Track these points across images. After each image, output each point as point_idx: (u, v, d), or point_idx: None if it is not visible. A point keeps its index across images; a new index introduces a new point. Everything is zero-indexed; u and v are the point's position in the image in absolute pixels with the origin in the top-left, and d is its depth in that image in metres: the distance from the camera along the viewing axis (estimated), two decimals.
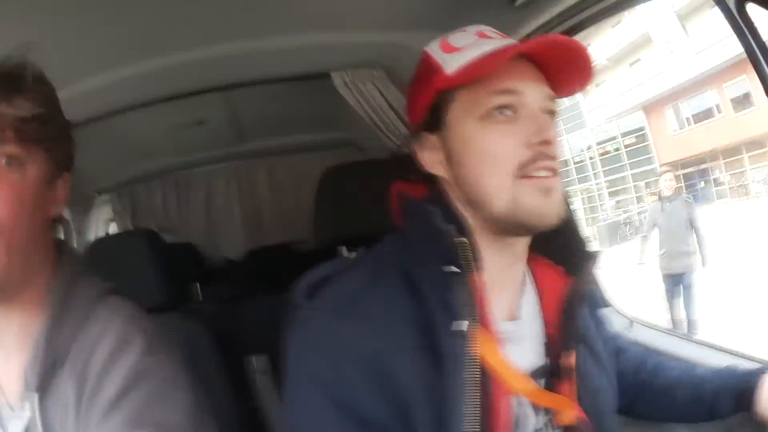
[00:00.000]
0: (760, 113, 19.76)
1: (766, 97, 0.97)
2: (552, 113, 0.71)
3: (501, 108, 0.68)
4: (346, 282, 0.72)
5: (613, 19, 26.36)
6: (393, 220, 0.81)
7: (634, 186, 26.17)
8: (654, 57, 24.30)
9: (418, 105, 0.77)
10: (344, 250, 1.44)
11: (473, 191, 0.72)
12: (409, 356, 0.65)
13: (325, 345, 0.67)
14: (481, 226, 0.73)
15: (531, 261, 0.81)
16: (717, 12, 0.99)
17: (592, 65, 0.72)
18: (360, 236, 1.20)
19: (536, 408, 0.76)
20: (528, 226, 0.71)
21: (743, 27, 0.98)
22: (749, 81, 18.61)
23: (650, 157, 25.69)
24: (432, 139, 0.75)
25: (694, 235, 5.05)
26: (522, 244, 0.76)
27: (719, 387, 0.92)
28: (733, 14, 0.97)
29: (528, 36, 1.23)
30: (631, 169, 26.34)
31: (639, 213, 19.45)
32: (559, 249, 0.81)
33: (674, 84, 23.02)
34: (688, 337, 1.35)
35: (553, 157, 0.69)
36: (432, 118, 0.74)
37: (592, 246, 0.83)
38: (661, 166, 17.69)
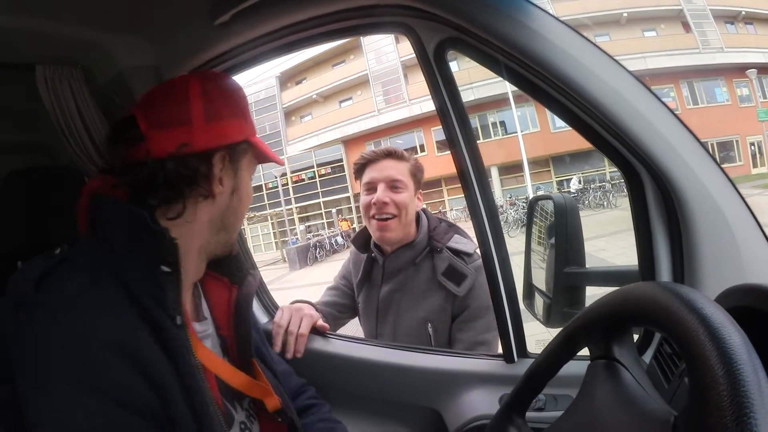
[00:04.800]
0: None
1: (447, 142, 1.19)
2: None
3: None
4: (68, 279, 0.72)
5: (337, 59, 29.30)
6: (80, 220, 0.84)
7: (326, 212, 28.62)
8: (367, 98, 27.86)
9: None
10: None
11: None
12: (151, 346, 0.71)
13: (76, 338, 0.66)
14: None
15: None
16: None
17: None
18: (44, 248, 1.16)
19: (239, 401, 0.92)
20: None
21: (438, 77, 1.17)
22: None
23: (345, 186, 28.73)
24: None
25: None
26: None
27: None
28: (430, 63, 1.16)
29: (225, 53, 1.32)
30: (324, 197, 28.76)
31: (329, 237, 21.46)
32: (225, 264, 0.99)
33: (381, 123, 26.54)
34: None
35: None
36: None
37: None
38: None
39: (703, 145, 0.96)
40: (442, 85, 1.18)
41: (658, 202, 1.01)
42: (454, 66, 1.19)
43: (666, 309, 0.48)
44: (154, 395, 0.69)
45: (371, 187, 1.67)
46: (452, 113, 1.18)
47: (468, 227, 1.38)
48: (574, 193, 21.24)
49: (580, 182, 22.80)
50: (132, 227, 0.77)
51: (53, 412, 0.62)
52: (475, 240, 1.41)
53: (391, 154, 1.69)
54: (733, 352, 0.40)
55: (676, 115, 0.96)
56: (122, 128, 0.85)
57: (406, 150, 1.78)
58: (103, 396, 0.64)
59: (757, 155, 24.50)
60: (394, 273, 1.70)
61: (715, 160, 0.96)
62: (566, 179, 24.86)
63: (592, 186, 21.88)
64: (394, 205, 1.63)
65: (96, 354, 0.66)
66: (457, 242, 1.66)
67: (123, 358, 0.67)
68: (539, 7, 0.98)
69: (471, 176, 1.20)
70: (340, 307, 1.87)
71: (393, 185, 1.64)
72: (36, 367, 0.65)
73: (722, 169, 0.95)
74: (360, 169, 1.73)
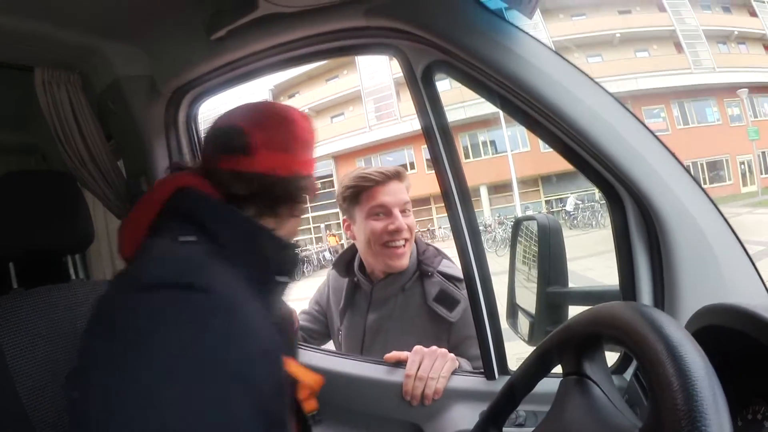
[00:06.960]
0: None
1: (431, 161, 1.22)
2: None
3: None
4: (226, 275, 0.70)
5: (330, 74, 29.49)
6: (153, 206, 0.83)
7: (314, 227, 28.48)
8: (359, 114, 27.79)
9: None
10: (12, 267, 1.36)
11: None
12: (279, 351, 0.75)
13: (242, 333, 0.64)
14: None
15: None
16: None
17: None
18: (34, 252, 1.16)
19: None
20: None
21: (424, 99, 1.20)
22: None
23: (334, 202, 28.88)
24: None
25: None
26: None
27: None
28: (418, 85, 1.19)
29: (220, 68, 1.36)
30: (313, 212, 28.69)
31: (317, 252, 21.40)
32: None
33: (372, 139, 26.62)
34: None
35: None
36: None
37: None
38: None
39: (685, 168, 0.98)
40: (428, 106, 1.21)
41: (639, 223, 1.03)
42: (446, 84, 1.21)
43: (630, 328, 0.50)
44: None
45: (384, 212, 1.53)
46: (437, 133, 1.21)
47: None
48: (572, 212, 21.16)
49: (581, 200, 22.53)
50: (259, 239, 0.83)
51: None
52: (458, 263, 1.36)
53: (398, 176, 1.57)
54: (689, 369, 0.41)
55: (658, 138, 0.98)
56: (229, 136, 0.90)
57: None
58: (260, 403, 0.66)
59: (747, 174, 24.58)
60: (382, 300, 1.60)
61: (696, 181, 0.98)
62: (556, 199, 24.83)
63: (581, 206, 21.85)
64: (408, 230, 1.54)
65: (266, 361, 0.70)
66: (448, 267, 1.58)
67: (276, 360, 0.73)
68: (525, 32, 1.02)
69: (454, 195, 1.22)
70: (311, 333, 1.79)
71: (404, 209, 1.55)
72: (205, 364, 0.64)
73: (703, 190, 0.97)
74: (361, 192, 1.57)
